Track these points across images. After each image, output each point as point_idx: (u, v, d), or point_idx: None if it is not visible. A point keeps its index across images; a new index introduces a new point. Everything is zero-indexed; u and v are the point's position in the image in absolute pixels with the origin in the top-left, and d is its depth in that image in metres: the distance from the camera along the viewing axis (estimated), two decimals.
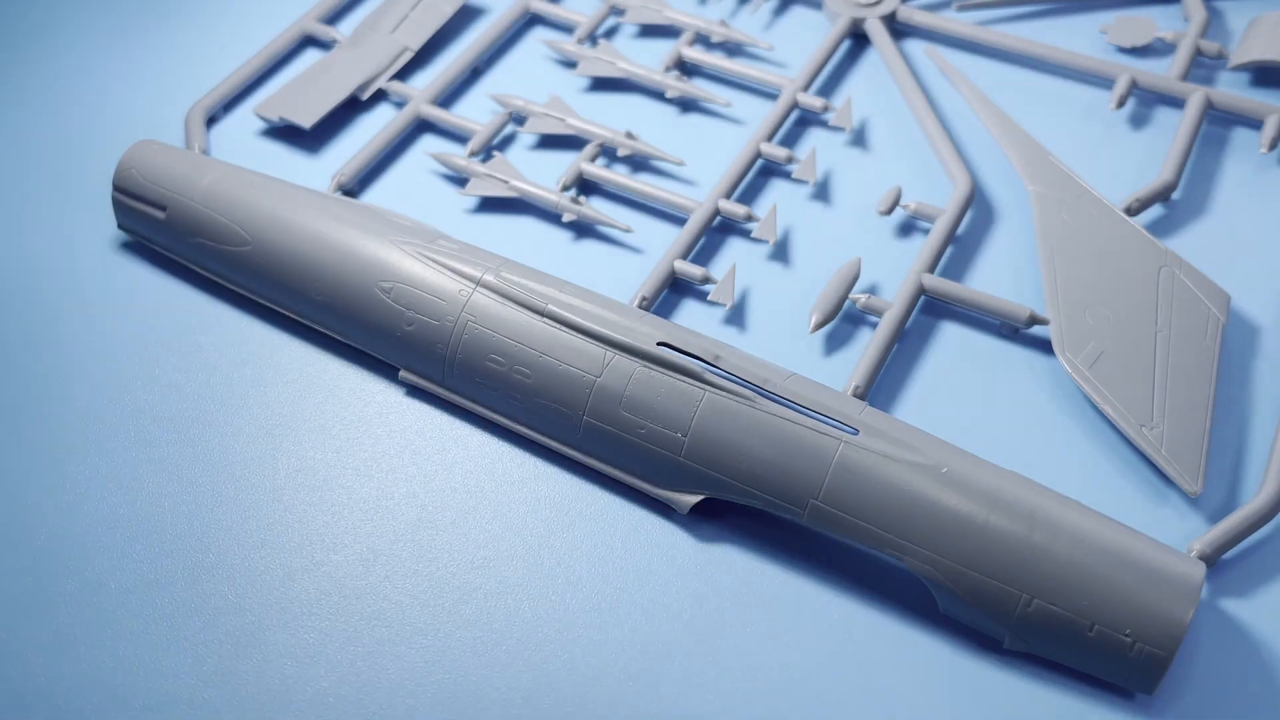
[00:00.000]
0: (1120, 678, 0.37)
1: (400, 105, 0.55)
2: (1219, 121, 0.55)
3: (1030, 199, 0.50)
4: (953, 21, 0.59)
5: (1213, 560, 0.39)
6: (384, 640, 0.39)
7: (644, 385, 0.41)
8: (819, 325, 0.46)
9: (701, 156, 0.53)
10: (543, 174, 0.53)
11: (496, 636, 0.39)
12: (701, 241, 0.50)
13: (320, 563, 0.41)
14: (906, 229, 0.51)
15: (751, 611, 0.39)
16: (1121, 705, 0.37)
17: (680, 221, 0.51)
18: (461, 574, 0.40)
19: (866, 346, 0.45)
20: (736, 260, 0.49)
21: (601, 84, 0.57)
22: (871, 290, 0.48)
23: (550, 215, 0.51)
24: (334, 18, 0.60)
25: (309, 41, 0.59)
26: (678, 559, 0.41)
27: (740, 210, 0.50)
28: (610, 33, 0.60)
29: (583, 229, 0.51)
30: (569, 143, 0.54)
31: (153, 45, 0.59)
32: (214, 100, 0.55)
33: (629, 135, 0.53)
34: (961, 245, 0.50)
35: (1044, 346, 0.46)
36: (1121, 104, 0.54)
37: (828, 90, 0.57)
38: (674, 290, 0.48)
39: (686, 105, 0.56)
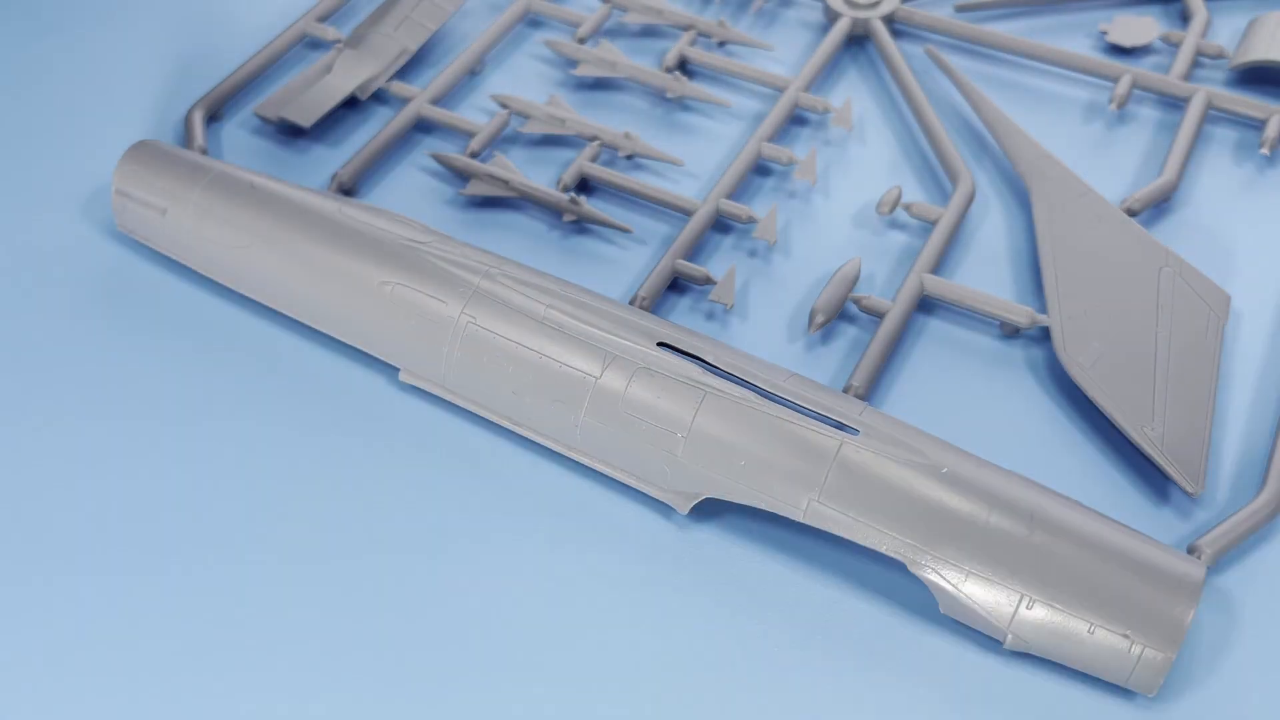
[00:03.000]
0: (1120, 678, 0.37)
1: (400, 105, 0.55)
2: (1219, 121, 0.55)
3: (1030, 199, 0.50)
4: (952, 22, 0.59)
5: (1213, 560, 0.39)
6: (379, 634, 0.39)
7: (644, 385, 0.41)
8: (819, 325, 0.46)
9: (701, 156, 0.53)
10: (543, 174, 0.53)
11: (491, 635, 0.39)
12: (701, 241, 0.50)
13: (315, 562, 0.41)
14: (906, 229, 0.51)
15: (751, 612, 0.39)
16: (1121, 705, 0.37)
17: (680, 221, 0.51)
18: (458, 572, 0.40)
19: (866, 346, 0.45)
20: (736, 260, 0.49)
21: (601, 84, 0.57)
22: (871, 290, 0.48)
23: (550, 215, 0.51)
24: (334, 18, 0.60)
25: (309, 41, 0.59)
26: (677, 559, 0.41)
27: (740, 210, 0.49)
28: (610, 33, 0.60)
29: (582, 229, 0.51)
30: (569, 143, 0.54)
31: (153, 45, 0.59)
32: (214, 100, 0.55)
33: (629, 135, 0.53)
34: (961, 245, 0.50)
35: (1044, 346, 0.46)
36: (1121, 104, 0.54)
37: (828, 90, 0.57)
38: (674, 290, 0.48)
39: (686, 105, 0.56)
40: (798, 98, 0.55)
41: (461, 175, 0.52)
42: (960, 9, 0.60)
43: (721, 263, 0.49)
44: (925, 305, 0.48)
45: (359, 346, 0.45)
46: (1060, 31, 0.59)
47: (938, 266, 0.48)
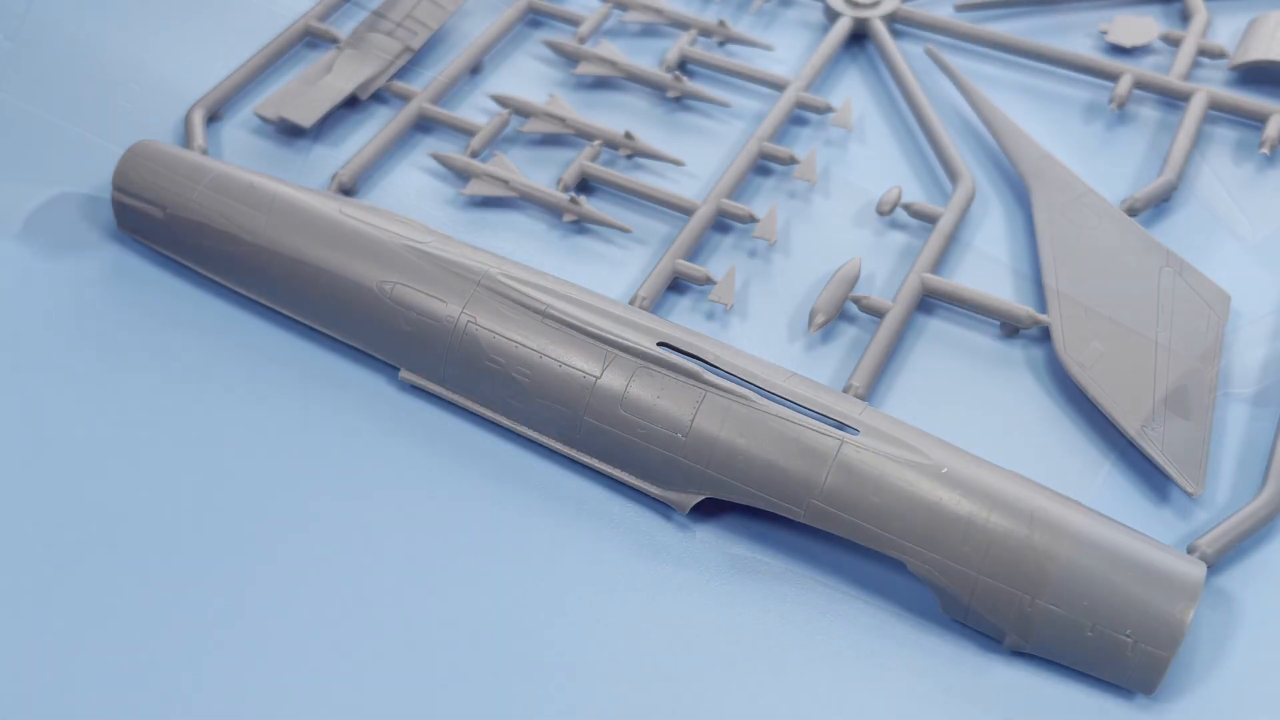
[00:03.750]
0: (1120, 678, 0.37)
1: (400, 105, 0.55)
2: (1219, 121, 0.55)
3: (1030, 199, 0.50)
4: (952, 21, 0.59)
5: (1213, 560, 0.39)
6: (377, 632, 0.39)
7: (644, 385, 0.41)
8: (819, 325, 0.46)
9: (701, 156, 0.53)
10: (543, 174, 0.53)
11: (490, 634, 0.39)
12: (701, 241, 0.50)
13: (313, 560, 0.41)
14: (906, 229, 0.51)
15: (751, 612, 0.39)
16: (1121, 705, 0.37)
17: (680, 221, 0.51)
18: (458, 572, 0.40)
19: (866, 346, 0.45)
20: (736, 260, 0.49)
21: (601, 84, 0.57)
22: (871, 290, 0.48)
23: (550, 215, 0.51)
24: (334, 18, 0.60)
25: (309, 41, 0.59)
26: (677, 559, 0.41)
27: (741, 210, 0.49)
28: (610, 33, 0.60)
29: (582, 229, 0.51)
30: (569, 143, 0.54)
31: (153, 44, 0.59)
32: (214, 100, 0.55)
33: (629, 135, 0.53)
34: (961, 245, 0.50)
35: (1044, 346, 0.46)
36: (1121, 104, 0.54)
37: (828, 90, 0.57)
38: (674, 290, 0.48)
39: (687, 105, 0.56)
40: (798, 98, 0.55)
41: (461, 175, 0.52)
42: (960, 9, 0.60)
43: (721, 263, 0.49)
44: (925, 305, 0.48)
45: (359, 346, 0.45)
46: (1060, 31, 0.59)
47: (938, 266, 0.48)
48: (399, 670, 0.38)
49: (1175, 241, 0.49)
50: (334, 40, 0.58)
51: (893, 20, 0.59)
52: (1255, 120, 0.54)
